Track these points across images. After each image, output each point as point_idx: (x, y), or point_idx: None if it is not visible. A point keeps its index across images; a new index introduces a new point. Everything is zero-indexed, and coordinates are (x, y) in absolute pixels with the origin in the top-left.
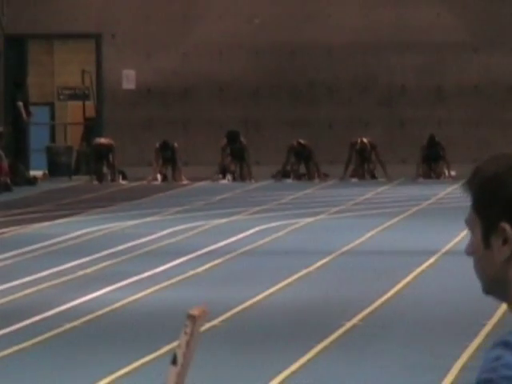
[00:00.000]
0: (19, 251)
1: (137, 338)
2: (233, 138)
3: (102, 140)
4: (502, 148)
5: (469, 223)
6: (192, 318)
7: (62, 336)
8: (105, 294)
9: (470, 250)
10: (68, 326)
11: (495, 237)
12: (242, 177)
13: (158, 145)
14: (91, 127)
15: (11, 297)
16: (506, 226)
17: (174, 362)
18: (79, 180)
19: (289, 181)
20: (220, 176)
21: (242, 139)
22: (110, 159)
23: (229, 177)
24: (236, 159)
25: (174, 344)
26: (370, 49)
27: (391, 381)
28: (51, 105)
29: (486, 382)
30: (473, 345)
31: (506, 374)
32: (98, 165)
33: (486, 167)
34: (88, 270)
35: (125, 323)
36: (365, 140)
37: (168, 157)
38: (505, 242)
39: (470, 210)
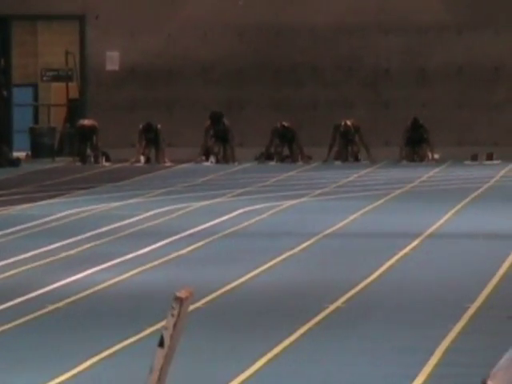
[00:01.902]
0: (1, 233)
1: (120, 320)
2: (216, 118)
3: (86, 121)
4: (485, 130)
5: None
6: (179, 299)
7: (46, 317)
8: (88, 275)
9: None
10: (51, 307)
11: None
12: (225, 159)
13: (141, 126)
14: (75, 108)
15: None
16: None
17: (161, 344)
18: (62, 161)
19: (272, 163)
20: (203, 158)
21: (226, 121)
22: (94, 141)
23: (212, 159)
24: (219, 141)
25: (158, 325)
26: (354, 30)
27: (375, 363)
28: (34, 86)
29: None
30: (456, 327)
31: None
32: (82, 146)
33: None
34: (71, 252)
35: (108, 305)
36: (348, 122)
37: (151, 138)
38: None
39: None
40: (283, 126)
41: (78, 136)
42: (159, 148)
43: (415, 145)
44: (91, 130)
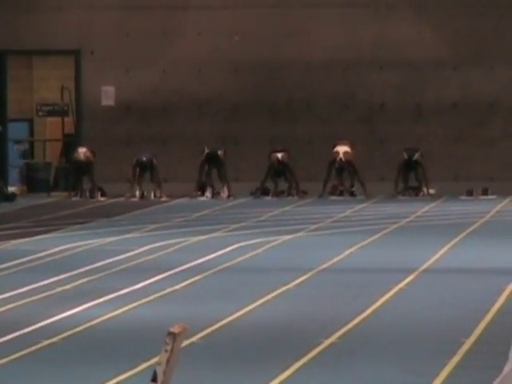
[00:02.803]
0: None
1: (115, 355)
2: (212, 159)
3: (82, 155)
4: (481, 166)
5: None
6: (172, 335)
7: (41, 352)
8: (83, 310)
9: None
10: (46, 342)
11: None
12: (220, 194)
13: (135, 161)
14: (70, 143)
15: None
16: None
17: (154, 379)
18: (58, 196)
19: (268, 198)
20: (199, 193)
21: (221, 157)
22: (90, 173)
23: (208, 194)
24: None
25: (153, 360)
26: (349, 66)
27: None
28: (30, 121)
29: None
30: (451, 362)
31: None
32: (78, 180)
33: None
34: (67, 287)
35: (103, 340)
36: (343, 158)
37: (147, 173)
38: None
39: None
40: (279, 161)
41: (73, 169)
42: (156, 182)
43: (409, 179)
44: (87, 164)
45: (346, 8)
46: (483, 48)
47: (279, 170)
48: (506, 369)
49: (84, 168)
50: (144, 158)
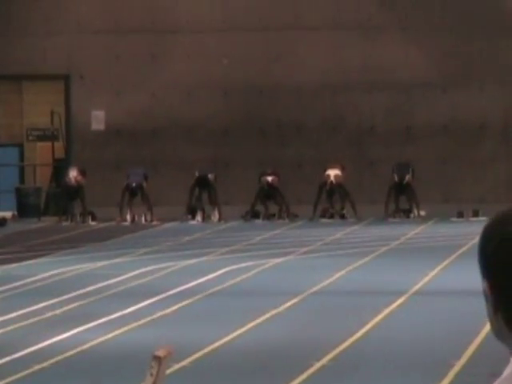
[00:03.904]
0: None
1: (106, 379)
2: (202, 182)
3: (72, 180)
4: (471, 187)
5: None
6: (157, 358)
7: (31, 377)
8: (74, 335)
9: None
10: (37, 367)
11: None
12: (211, 218)
13: (125, 185)
14: (60, 168)
15: None
16: (485, 284)
17: None
18: (48, 221)
19: (258, 221)
20: (189, 217)
21: (212, 181)
22: (81, 197)
23: (198, 217)
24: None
25: None
26: (338, 89)
27: None
28: (20, 146)
29: None
30: None
31: None
32: (68, 204)
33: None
34: (57, 311)
35: (94, 364)
36: (333, 180)
37: (137, 197)
38: (486, 299)
39: None
40: (269, 184)
41: (64, 194)
42: (147, 206)
43: (400, 201)
44: (77, 188)
45: (334, 31)
46: (472, 69)
47: (269, 193)
48: (505, 373)
49: (74, 192)
50: (134, 184)
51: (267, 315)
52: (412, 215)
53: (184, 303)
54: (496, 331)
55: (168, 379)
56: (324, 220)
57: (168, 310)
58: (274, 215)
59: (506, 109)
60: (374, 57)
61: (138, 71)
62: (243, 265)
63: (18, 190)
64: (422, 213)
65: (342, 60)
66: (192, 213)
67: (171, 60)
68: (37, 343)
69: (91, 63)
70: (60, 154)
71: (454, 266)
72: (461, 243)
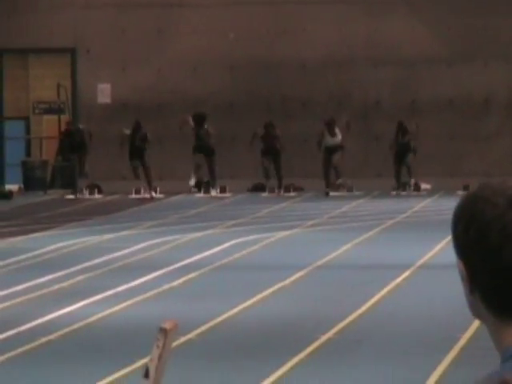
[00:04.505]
0: None
1: (112, 352)
2: (199, 120)
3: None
4: (477, 161)
5: None
6: (164, 331)
7: (38, 350)
8: (80, 307)
9: None
10: (43, 339)
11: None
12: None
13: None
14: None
15: None
16: (460, 263)
17: (146, 375)
18: (54, 194)
19: (264, 194)
20: (195, 189)
21: (208, 126)
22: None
23: (192, 181)
24: (201, 151)
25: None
26: (344, 64)
27: None
28: (26, 119)
29: None
30: (447, 358)
31: None
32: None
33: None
34: (64, 284)
35: (100, 337)
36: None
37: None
38: (462, 278)
39: None
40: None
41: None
42: (148, 178)
43: (402, 162)
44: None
45: (340, 6)
46: (477, 45)
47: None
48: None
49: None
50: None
51: (273, 289)
52: (407, 187)
53: (190, 276)
54: (474, 309)
55: (174, 352)
56: (331, 193)
57: (174, 283)
58: (280, 189)
59: (510, 83)
60: (380, 32)
61: (144, 46)
62: (249, 238)
63: (24, 164)
64: (428, 186)
65: (347, 35)
66: (198, 186)
67: (177, 35)
68: (43, 316)
69: (97, 37)
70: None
71: None
72: None
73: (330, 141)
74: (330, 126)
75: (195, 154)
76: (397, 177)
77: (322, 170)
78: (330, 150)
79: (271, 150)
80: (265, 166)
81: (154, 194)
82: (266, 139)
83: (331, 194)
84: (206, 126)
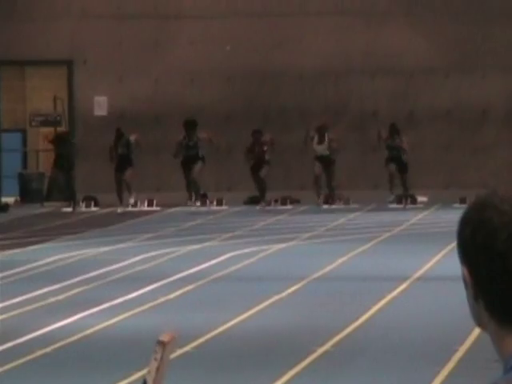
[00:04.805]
0: None
1: (109, 364)
2: (191, 127)
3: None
4: (474, 173)
5: None
6: (161, 343)
7: (34, 362)
8: (77, 320)
9: None
10: (40, 352)
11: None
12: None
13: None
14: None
15: None
16: (465, 270)
17: None
18: (51, 206)
19: (259, 207)
20: (192, 202)
21: (199, 134)
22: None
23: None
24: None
25: (146, 370)
26: (341, 74)
27: None
28: (23, 131)
29: None
30: (444, 370)
31: None
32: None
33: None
34: (60, 297)
35: (97, 350)
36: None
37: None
38: (466, 286)
39: None
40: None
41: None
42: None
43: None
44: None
45: (337, 17)
46: (474, 55)
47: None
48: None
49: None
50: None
51: (270, 301)
52: (403, 202)
53: (187, 289)
54: (477, 318)
55: (171, 364)
56: (326, 206)
57: (171, 296)
58: (277, 201)
59: (508, 94)
60: (378, 42)
61: (141, 57)
62: (246, 250)
63: (20, 176)
64: (424, 198)
65: (345, 45)
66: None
67: (174, 46)
68: (40, 328)
69: (94, 48)
70: None
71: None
72: None
73: (317, 148)
74: (320, 133)
75: (184, 171)
76: (391, 181)
77: (313, 181)
78: (322, 161)
79: (260, 165)
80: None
81: (120, 211)
82: (253, 151)
83: (325, 207)
84: (196, 135)
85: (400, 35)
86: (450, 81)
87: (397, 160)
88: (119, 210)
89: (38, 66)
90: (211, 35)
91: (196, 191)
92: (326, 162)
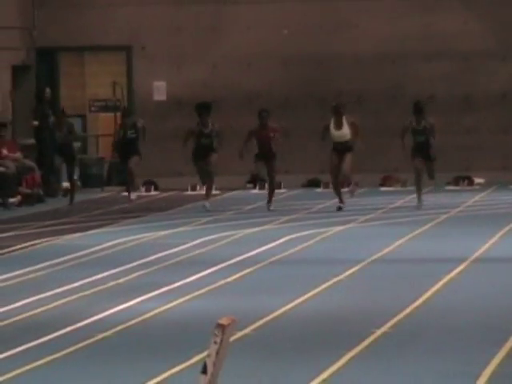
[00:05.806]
0: (51, 262)
1: (168, 348)
2: (204, 112)
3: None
4: None
5: None
6: (221, 327)
7: (94, 346)
8: (136, 304)
9: None
10: (100, 336)
11: None
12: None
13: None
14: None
15: (43, 308)
16: None
17: (204, 371)
18: (111, 191)
19: (318, 189)
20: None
21: (212, 123)
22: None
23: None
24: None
25: (205, 353)
26: (397, 58)
27: None
28: (83, 117)
29: None
30: (502, 351)
31: None
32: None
33: None
34: (120, 281)
35: (157, 333)
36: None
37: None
38: None
39: None
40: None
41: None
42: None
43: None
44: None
45: (392, 1)
46: None
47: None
48: None
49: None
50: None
51: (328, 283)
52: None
53: (246, 272)
54: None
55: (231, 347)
56: (384, 188)
57: (230, 279)
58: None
59: None
60: (433, 25)
61: (199, 42)
62: (304, 233)
63: (81, 161)
64: (481, 180)
65: (400, 29)
66: (253, 181)
67: (231, 31)
68: (100, 313)
69: (153, 34)
70: None
71: None
72: None
73: (335, 134)
74: (337, 114)
75: (196, 162)
76: (417, 181)
77: (330, 178)
78: (339, 150)
79: (266, 154)
80: (256, 172)
81: (133, 197)
82: (259, 136)
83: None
84: (210, 124)
85: (456, 18)
86: (507, 64)
87: (424, 148)
88: (132, 196)
89: (96, 52)
90: (268, 20)
91: (210, 186)
92: (346, 152)
